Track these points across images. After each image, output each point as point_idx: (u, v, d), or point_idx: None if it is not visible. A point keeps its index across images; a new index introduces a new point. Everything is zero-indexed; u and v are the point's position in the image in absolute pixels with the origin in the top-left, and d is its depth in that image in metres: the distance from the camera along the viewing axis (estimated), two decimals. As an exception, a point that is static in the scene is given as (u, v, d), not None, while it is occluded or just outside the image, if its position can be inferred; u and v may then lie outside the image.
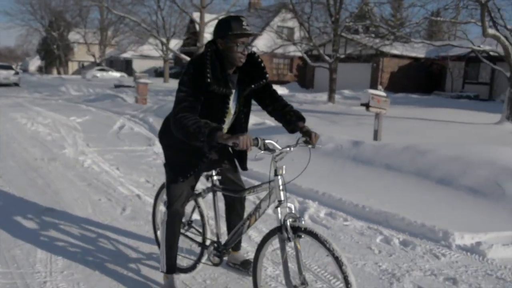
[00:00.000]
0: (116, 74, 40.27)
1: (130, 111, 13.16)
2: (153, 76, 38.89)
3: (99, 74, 39.07)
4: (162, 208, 3.32)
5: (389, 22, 31.31)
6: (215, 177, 2.84)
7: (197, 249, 3.15)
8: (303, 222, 2.32)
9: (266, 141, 2.32)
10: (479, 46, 14.50)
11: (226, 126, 2.67)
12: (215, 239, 2.92)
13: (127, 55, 46.90)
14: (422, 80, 27.80)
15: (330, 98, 19.58)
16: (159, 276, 2.97)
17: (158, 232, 3.34)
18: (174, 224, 2.73)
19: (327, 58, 19.13)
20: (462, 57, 23.48)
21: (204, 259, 2.97)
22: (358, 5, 20.58)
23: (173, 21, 32.33)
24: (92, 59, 46.66)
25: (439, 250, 3.54)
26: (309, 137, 2.50)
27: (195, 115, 2.37)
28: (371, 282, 2.99)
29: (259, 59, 2.61)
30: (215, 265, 2.90)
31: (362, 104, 7.28)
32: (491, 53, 14.51)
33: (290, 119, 2.63)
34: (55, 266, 3.16)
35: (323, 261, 3.26)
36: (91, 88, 24.00)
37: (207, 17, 26.92)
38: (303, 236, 2.29)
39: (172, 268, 2.78)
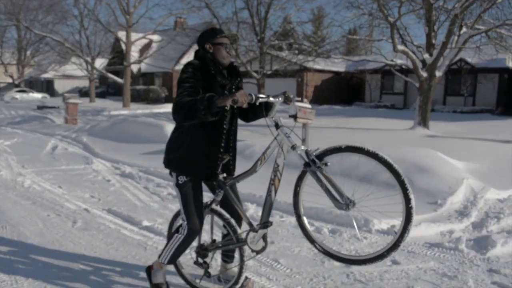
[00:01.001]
0: (38, 95, 38.67)
1: (61, 132, 12.98)
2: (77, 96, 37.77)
3: (18, 95, 37.30)
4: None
5: (311, 39, 32.98)
6: (220, 175, 2.91)
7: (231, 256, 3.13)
8: (319, 150, 2.54)
9: (258, 95, 2.62)
10: (392, 61, 15.98)
11: (227, 122, 2.84)
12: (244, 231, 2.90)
13: (48, 75, 45.12)
14: (343, 92, 29.61)
15: (260, 112, 20.35)
16: (123, 277, 3.30)
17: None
18: (191, 240, 2.87)
19: (254, 74, 19.92)
20: (378, 70, 25.45)
21: (246, 257, 2.90)
22: (281, 24, 21.68)
23: (98, 40, 31.85)
24: (9, 80, 44.35)
25: (361, 235, 4.18)
26: (283, 94, 2.83)
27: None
28: (307, 263, 3.53)
29: (234, 63, 3.01)
30: (263, 249, 2.85)
31: (290, 116, 7.97)
32: (403, 66, 16.01)
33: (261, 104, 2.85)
34: (19, 275, 3.37)
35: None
36: (12, 110, 22.99)
37: (133, 36, 26.94)
38: (329, 163, 2.52)
39: (172, 262, 2.97)
